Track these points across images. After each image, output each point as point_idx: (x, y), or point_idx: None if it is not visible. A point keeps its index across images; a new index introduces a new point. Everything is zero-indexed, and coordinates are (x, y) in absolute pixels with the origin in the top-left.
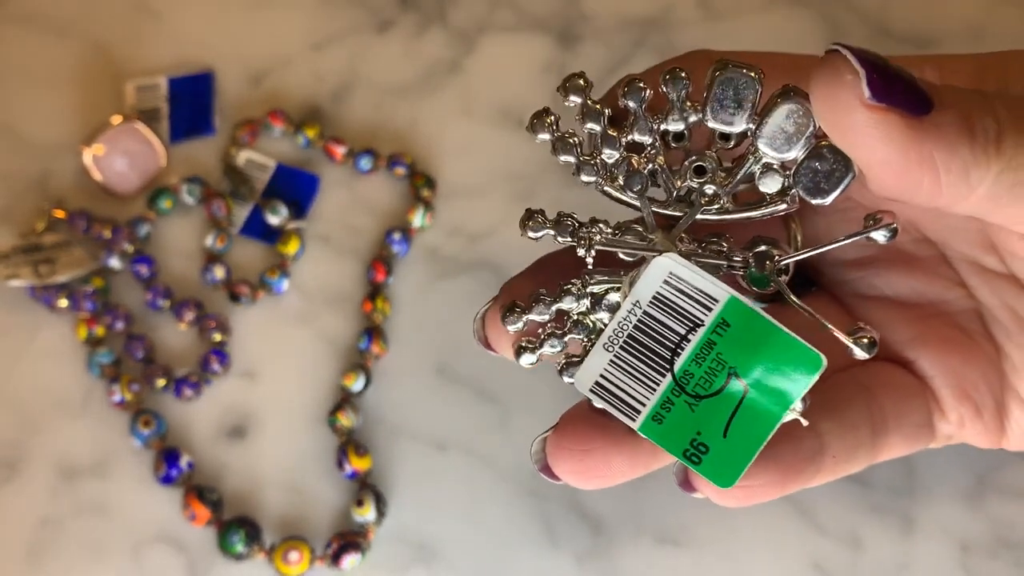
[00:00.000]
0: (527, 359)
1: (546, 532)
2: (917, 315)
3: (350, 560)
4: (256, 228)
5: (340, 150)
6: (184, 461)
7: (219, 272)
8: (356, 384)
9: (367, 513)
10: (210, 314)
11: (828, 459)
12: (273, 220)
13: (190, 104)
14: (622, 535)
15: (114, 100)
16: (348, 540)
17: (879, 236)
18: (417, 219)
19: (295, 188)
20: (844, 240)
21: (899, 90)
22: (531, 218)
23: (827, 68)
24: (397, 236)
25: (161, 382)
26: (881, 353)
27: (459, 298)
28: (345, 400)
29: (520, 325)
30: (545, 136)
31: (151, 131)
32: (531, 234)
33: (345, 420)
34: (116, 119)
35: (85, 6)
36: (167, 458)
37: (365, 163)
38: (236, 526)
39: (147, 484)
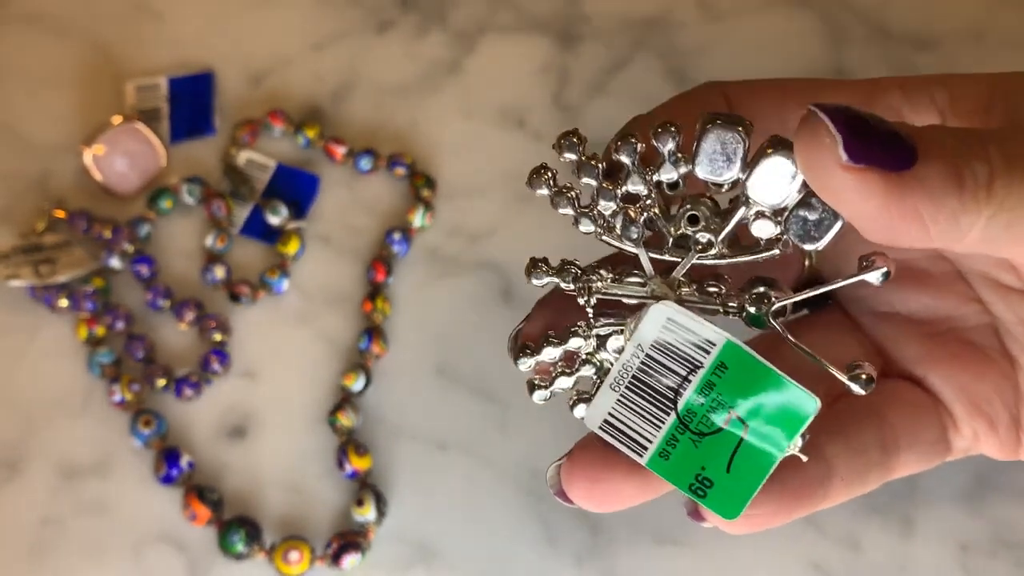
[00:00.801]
0: (539, 395)
1: (546, 532)
2: (929, 332)
3: (350, 560)
4: (256, 228)
5: (340, 150)
6: (184, 461)
7: (219, 272)
8: (356, 384)
9: (367, 513)
10: (210, 314)
11: (836, 482)
12: (273, 220)
13: (190, 104)
14: (621, 535)
15: (114, 100)
16: (348, 540)
17: (872, 279)
18: (417, 219)
19: (295, 188)
20: (839, 283)
21: (878, 147)
22: (535, 267)
23: (806, 130)
24: (397, 236)
25: (161, 382)
26: (892, 371)
27: (459, 298)
28: (345, 400)
29: (531, 365)
30: (543, 191)
31: (151, 131)
32: (535, 281)
33: (345, 420)
34: (116, 119)
35: (85, 6)
36: (167, 458)
37: (365, 163)
38: (236, 526)
39: (147, 484)
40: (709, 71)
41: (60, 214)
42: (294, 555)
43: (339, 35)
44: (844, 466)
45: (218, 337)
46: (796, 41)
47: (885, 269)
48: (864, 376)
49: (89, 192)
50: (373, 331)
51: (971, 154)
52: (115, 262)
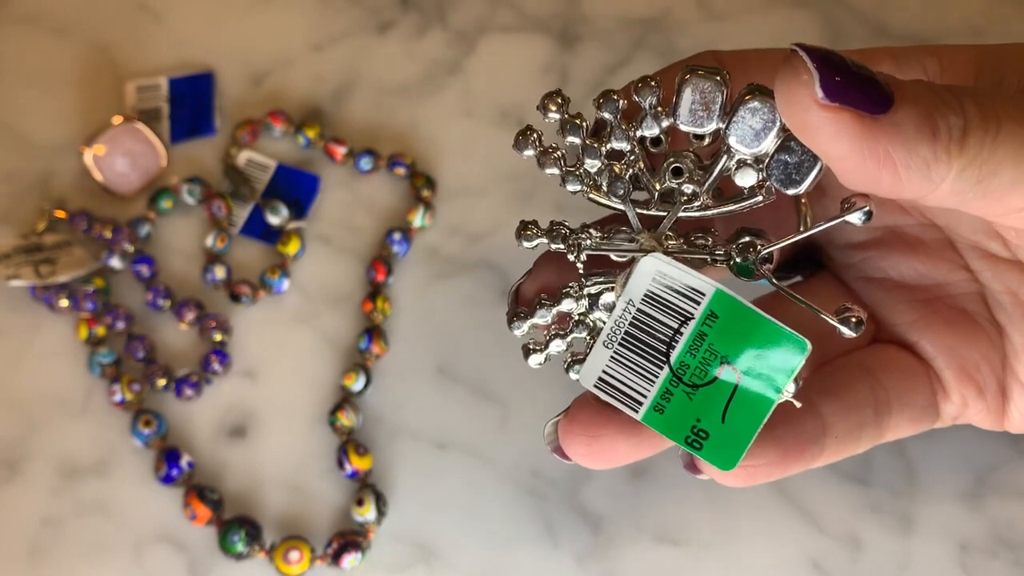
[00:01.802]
0: (535, 359)
1: (546, 532)
2: (920, 297)
3: (350, 559)
4: (256, 228)
5: (340, 150)
6: (185, 461)
7: (219, 272)
8: (356, 384)
9: (367, 513)
10: (210, 314)
11: (830, 440)
12: (273, 220)
13: (191, 104)
14: (622, 535)
15: (115, 100)
16: (348, 539)
17: (854, 219)
18: (417, 219)
19: (295, 188)
20: (821, 226)
21: (855, 89)
22: (525, 229)
23: (786, 68)
24: (397, 236)
25: (162, 382)
26: (884, 336)
27: (459, 298)
28: (345, 400)
29: (525, 329)
30: (530, 152)
31: (152, 131)
32: (525, 244)
33: (345, 420)
34: (117, 119)
35: (86, 6)
36: (168, 458)
37: (365, 163)
38: (236, 525)
39: (148, 484)
40: None
41: (60, 214)
42: (294, 555)
43: (339, 35)
44: (838, 424)
45: (218, 337)
46: (796, 41)
47: (867, 207)
48: (854, 319)
49: (89, 192)
50: (373, 331)
51: (947, 107)
52: (115, 262)
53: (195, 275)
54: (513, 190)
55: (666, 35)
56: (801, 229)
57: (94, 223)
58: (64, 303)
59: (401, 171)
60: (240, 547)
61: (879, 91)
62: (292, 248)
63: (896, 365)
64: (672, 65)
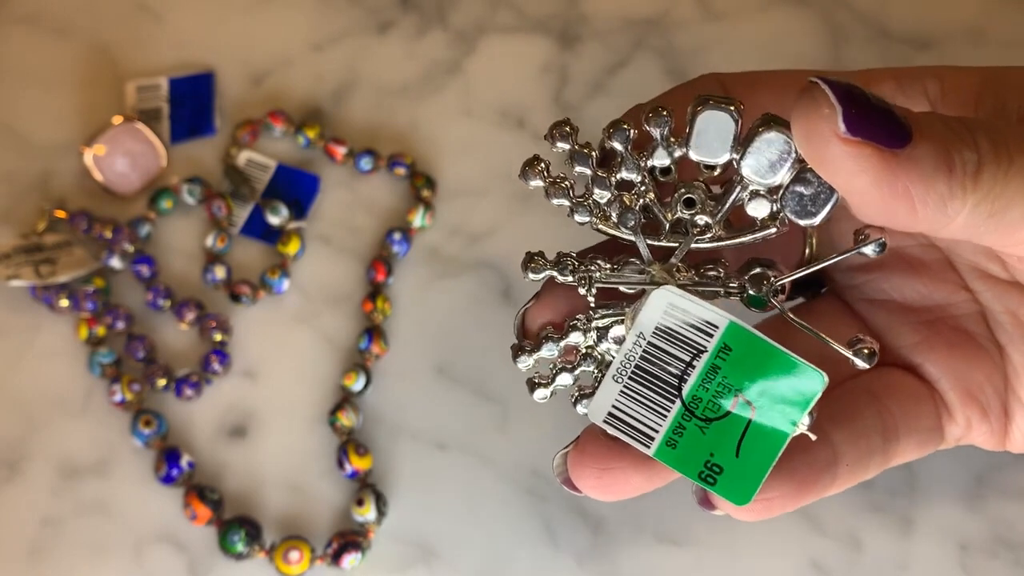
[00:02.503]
0: (540, 394)
1: (546, 532)
2: (923, 319)
3: (350, 559)
4: (256, 228)
5: (340, 150)
6: (185, 461)
7: (220, 272)
8: (356, 384)
9: (367, 513)
10: (211, 314)
11: (842, 468)
12: (273, 220)
13: (191, 104)
14: (622, 535)
15: (115, 100)
16: (348, 539)
17: (868, 251)
18: (417, 219)
19: (295, 188)
20: (835, 258)
21: (875, 123)
22: (532, 261)
23: (806, 100)
24: (397, 236)
25: (162, 382)
26: (888, 358)
27: (459, 298)
28: (345, 400)
29: (531, 363)
30: (537, 183)
31: (152, 131)
32: (532, 276)
33: (345, 420)
34: (117, 119)
35: (86, 7)
36: (168, 458)
37: (365, 163)
38: (236, 525)
39: (148, 484)
40: (709, 70)
41: (61, 214)
42: (294, 555)
43: (339, 35)
44: (849, 452)
45: (218, 337)
46: (796, 41)
47: (881, 240)
48: (867, 350)
49: (90, 192)
50: (373, 331)
51: (961, 142)
52: (116, 262)
53: (195, 275)
54: (513, 190)
55: (666, 35)
56: (813, 261)
57: (94, 223)
58: (64, 303)
59: (401, 171)
60: (240, 547)
61: (898, 125)
62: (292, 248)
63: (901, 389)
64: (675, 89)
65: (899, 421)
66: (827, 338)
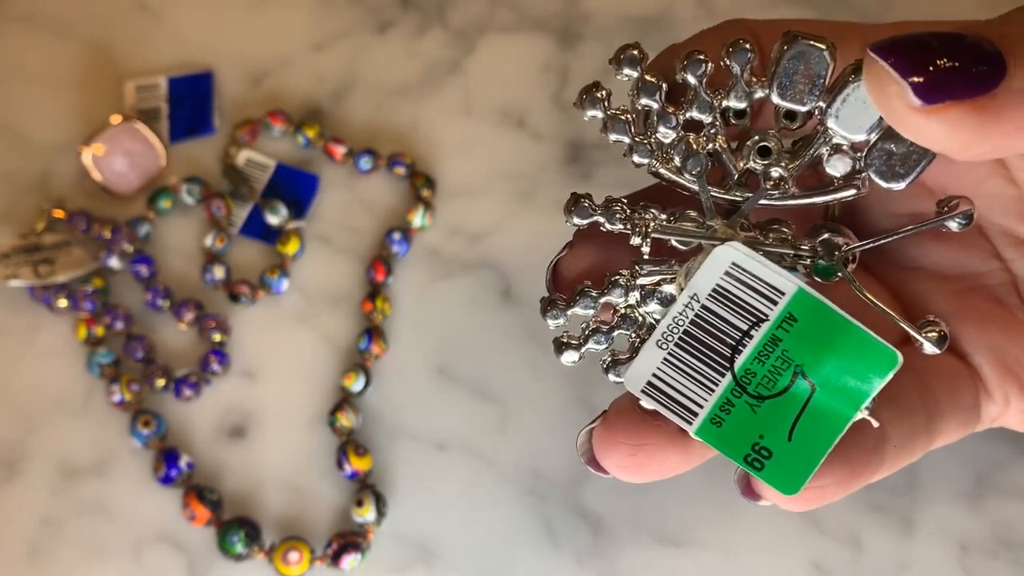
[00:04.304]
0: (569, 357)
1: (546, 532)
2: (955, 288)
3: (350, 560)
4: (256, 228)
5: (340, 150)
6: (184, 461)
7: (219, 272)
8: (356, 384)
9: (367, 513)
10: (210, 314)
11: (890, 449)
12: (273, 220)
13: (190, 104)
14: (622, 535)
15: (114, 100)
16: (348, 540)
17: (953, 225)
18: (417, 219)
19: (295, 188)
20: (916, 228)
21: (955, 78)
22: (577, 203)
23: (871, 80)
24: (397, 236)
25: (161, 382)
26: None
27: (459, 298)
28: (345, 400)
29: (562, 321)
30: (596, 113)
31: (151, 131)
32: (576, 220)
33: (345, 420)
34: (116, 119)
35: (85, 6)
36: (167, 458)
37: (365, 163)
38: (236, 526)
39: (147, 484)
40: None
41: (59, 214)
42: (294, 555)
43: (339, 35)
44: (895, 431)
45: (218, 337)
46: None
47: (970, 211)
48: (938, 333)
49: (89, 192)
50: (373, 331)
51: None
52: (114, 262)
53: (194, 275)
54: (513, 190)
55: (666, 34)
56: (892, 231)
57: (93, 223)
58: (63, 303)
59: (401, 171)
60: (239, 548)
61: (985, 60)
62: (291, 248)
63: (940, 365)
64: (702, 33)
65: (942, 399)
66: (897, 316)
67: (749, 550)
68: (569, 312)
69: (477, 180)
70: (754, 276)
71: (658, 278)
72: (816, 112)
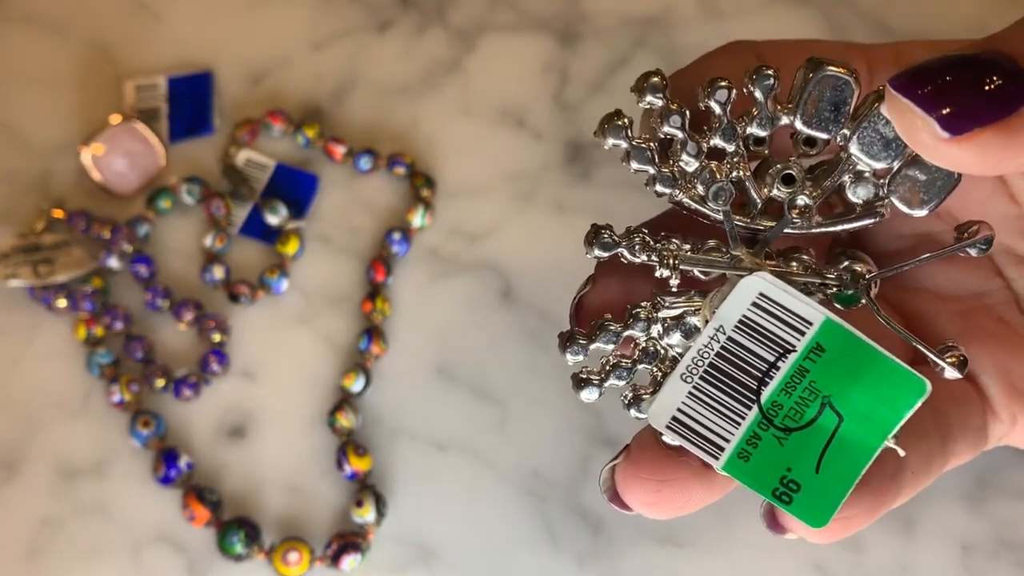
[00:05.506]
0: (589, 394)
1: (546, 532)
2: (959, 308)
3: (350, 561)
4: (255, 228)
5: (340, 150)
6: (183, 461)
7: (218, 272)
8: (356, 384)
9: (367, 514)
10: (209, 314)
11: (908, 475)
12: (273, 220)
13: (190, 104)
14: (622, 535)
15: (113, 100)
16: (348, 540)
17: (973, 251)
18: (417, 219)
19: (295, 188)
20: (935, 254)
21: (982, 104)
22: (598, 235)
23: (896, 115)
24: (397, 236)
25: (160, 382)
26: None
27: (459, 298)
28: (345, 400)
29: (582, 358)
30: (619, 143)
31: (150, 131)
32: (598, 252)
33: (345, 420)
34: (115, 119)
35: (85, 6)
36: (166, 458)
37: (365, 163)
38: (235, 527)
39: (146, 484)
40: None
41: (59, 214)
42: (293, 556)
43: (339, 35)
44: (912, 456)
45: (217, 337)
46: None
47: (989, 235)
48: (958, 358)
49: (88, 192)
50: (373, 331)
51: None
52: (114, 262)
53: (194, 275)
54: (513, 190)
55: (667, 34)
56: (912, 257)
57: (92, 223)
58: (62, 303)
59: (401, 171)
60: (239, 548)
61: (1008, 80)
62: (291, 248)
63: (949, 386)
64: (709, 54)
65: (953, 422)
66: (919, 341)
67: (750, 552)
68: (591, 347)
69: (477, 180)
70: (782, 307)
71: (681, 310)
72: (839, 139)
